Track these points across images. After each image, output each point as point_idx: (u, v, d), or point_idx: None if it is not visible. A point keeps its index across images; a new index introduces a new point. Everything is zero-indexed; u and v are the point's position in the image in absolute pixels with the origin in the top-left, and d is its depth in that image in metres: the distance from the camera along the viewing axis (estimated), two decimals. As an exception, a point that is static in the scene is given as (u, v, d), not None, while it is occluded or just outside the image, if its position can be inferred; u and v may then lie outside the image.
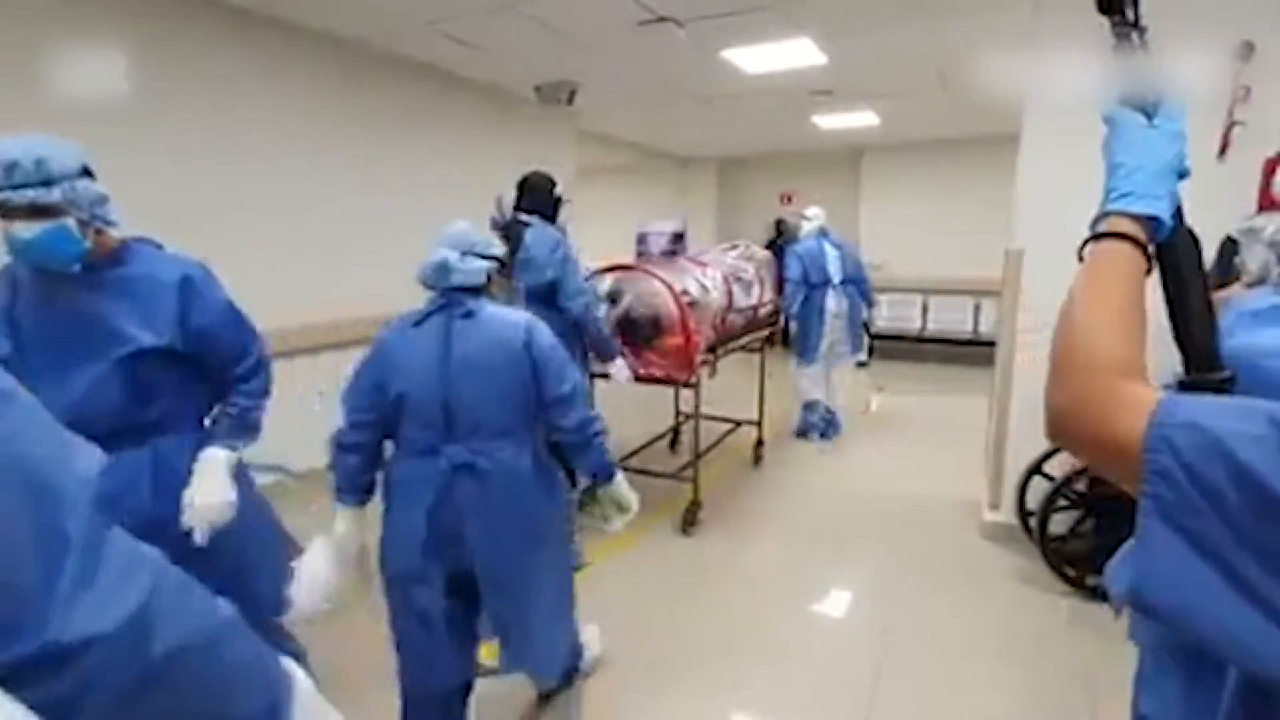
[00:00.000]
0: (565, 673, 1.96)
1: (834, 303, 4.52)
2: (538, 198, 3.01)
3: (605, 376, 3.14)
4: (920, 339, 7.60)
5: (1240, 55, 2.61)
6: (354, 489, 1.62)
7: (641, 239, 8.04)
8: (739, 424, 4.26)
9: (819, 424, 4.68)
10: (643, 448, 3.99)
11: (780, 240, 7.52)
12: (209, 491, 1.46)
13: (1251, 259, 1.80)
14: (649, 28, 3.64)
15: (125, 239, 1.47)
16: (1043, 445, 2.88)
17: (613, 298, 3.25)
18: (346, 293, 3.94)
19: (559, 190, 3.06)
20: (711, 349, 3.32)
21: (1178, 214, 0.71)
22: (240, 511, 1.50)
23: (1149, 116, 0.72)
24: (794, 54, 4.15)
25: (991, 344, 3.74)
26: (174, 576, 0.51)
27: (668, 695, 2.13)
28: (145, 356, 1.42)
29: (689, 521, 3.27)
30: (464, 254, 1.62)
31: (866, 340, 7.17)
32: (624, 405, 3.96)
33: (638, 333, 3.17)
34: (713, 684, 2.19)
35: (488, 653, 1.79)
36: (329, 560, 1.56)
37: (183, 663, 0.48)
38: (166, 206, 2.61)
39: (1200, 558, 0.51)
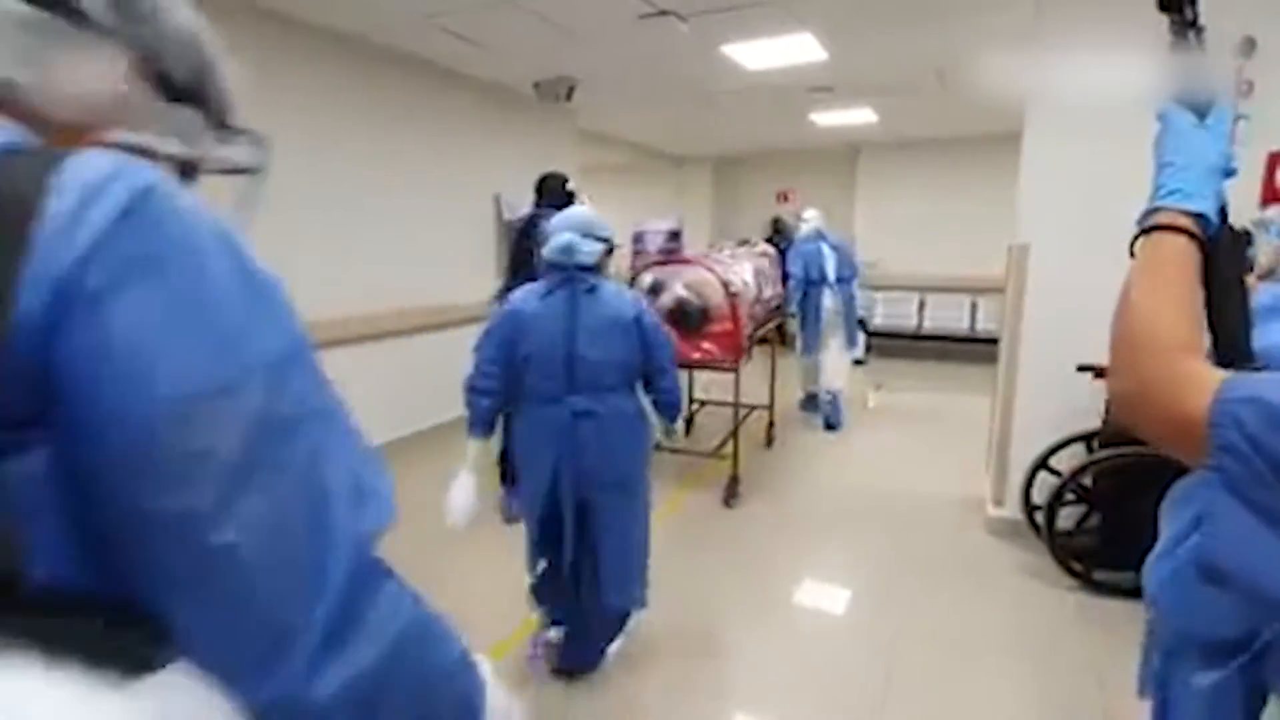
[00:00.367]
0: (628, 611, 2.21)
1: (830, 300, 4.84)
2: (554, 194, 3.43)
3: None
4: (917, 336, 7.62)
5: (1243, 50, 2.62)
6: (483, 425, 1.98)
7: (638, 238, 8.06)
8: (754, 409, 4.37)
9: (824, 408, 4.99)
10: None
11: (777, 238, 7.52)
12: None
13: (1262, 251, 1.80)
14: (650, 21, 3.62)
15: None
16: (1048, 440, 2.89)
17: (654, 290, 3.50)
18: (346, 290, 3.91)
19: (571, 185, 3.51)
20: (748, 336, 3.61)
21: (1222, 212, 0.73)
22: None
23: (1201, 116, 0.74)
24: (795, 49, 4.14)
25: (989, 341, 3.75)
26: (421, 628, 0.48)
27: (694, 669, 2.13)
28: None
29: (731, 494, 3.55)
30: (584, 235, 1.94)
31: (864, 339, 7.20)
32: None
33: (689, 320, 3.44)
34: (725, 674, 2.18)
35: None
36: (471, 488, 1.93)
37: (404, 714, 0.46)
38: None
39: (1267, 526, 0.54)
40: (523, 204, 5.09)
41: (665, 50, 4.16)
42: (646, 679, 2.19)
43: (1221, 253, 0.73)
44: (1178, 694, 0.89)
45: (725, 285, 3.43)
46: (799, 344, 5.02)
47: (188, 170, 0.57)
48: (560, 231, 1.94)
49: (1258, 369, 0.71)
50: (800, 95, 5.41)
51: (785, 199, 8.73)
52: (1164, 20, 0.77)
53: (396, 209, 4.34)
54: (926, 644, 2.37)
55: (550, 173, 3.55)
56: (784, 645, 2.38)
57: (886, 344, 7.54)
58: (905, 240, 7.85)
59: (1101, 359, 2.91)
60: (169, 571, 0.38)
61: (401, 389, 4.30)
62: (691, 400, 4.75)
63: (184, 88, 0.55)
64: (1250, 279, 1.89)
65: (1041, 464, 2.87)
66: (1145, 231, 0.72)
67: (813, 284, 4.83)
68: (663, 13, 3.51)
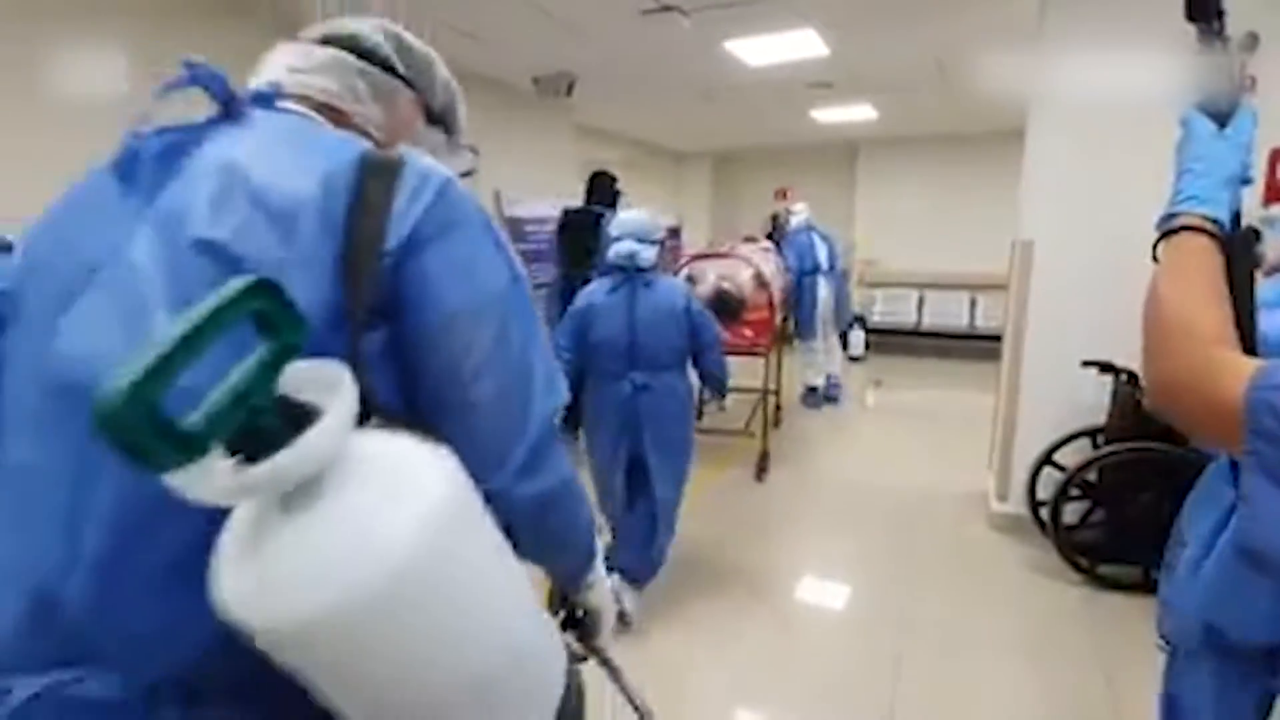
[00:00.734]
0: (652, 573, 2.50)
1: (824, 288, 5.19)
2: (603, 191, 3.81)
3: None
4: (916, 333, 7.62)
5: (1246, 45, 2.62)
6: None
7: (638, 235, 8.06)
8: (766, 392, 4.38)
9: (824, 389, 5.34)
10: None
11: (775, 234, 7.51)
12: None
13: (1270, 247, 1.81)
14: (652, 17, 3.61)
15: None
16: (1053, 435, 2.89)
17: (692, 279, 3.81)
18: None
19: (618, 185, 3.93)
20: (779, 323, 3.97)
21: (1235, 215, 0.77)
22: None
23: (1222, 123, 0.76)
24: (797, 45, 4.13)
25: (989, 338, 3.75)
26: (573, 480, 0.75)
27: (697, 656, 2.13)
28: None
29: (762, 469, 3.88)
30: (641, 240, 2.37)
31: (863, 336, 7.20)
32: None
33: (729, 308, 3.71)
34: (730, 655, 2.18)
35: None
36: None
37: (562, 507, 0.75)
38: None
39: None
40: (521, 199, 5.10)
41: (667, 46, 4.14)
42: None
43: (1232, 254, 0.75)
44: (1189, 692, 0.89)
45: (761, 275, 3.82)
46: (797, 333, 5.29)
47: None
48: (623, 238, 2.37)
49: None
50: (801, 92, 5.40)
51: (784, 196, 8.72)
52: (1166, 20, 0.79)
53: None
54: (935, 637, 2.37)
55: (599, 171, 3.92)
56: (784, 641, 2.39)
57: (886, 341, 7.52)
58: (904, 237, 7.85)
59: (1105, 354, 2.90)
60: (445, 409, 0.63)
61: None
62: None
63: (438, 117, 0.86)
64: (1258, 274, 1.90)
65: (1046, 459, 2.88)
66: (1167, 235, 0.75)
67: (806, 274, 5.12)
68: (666, 8, 3.50)
